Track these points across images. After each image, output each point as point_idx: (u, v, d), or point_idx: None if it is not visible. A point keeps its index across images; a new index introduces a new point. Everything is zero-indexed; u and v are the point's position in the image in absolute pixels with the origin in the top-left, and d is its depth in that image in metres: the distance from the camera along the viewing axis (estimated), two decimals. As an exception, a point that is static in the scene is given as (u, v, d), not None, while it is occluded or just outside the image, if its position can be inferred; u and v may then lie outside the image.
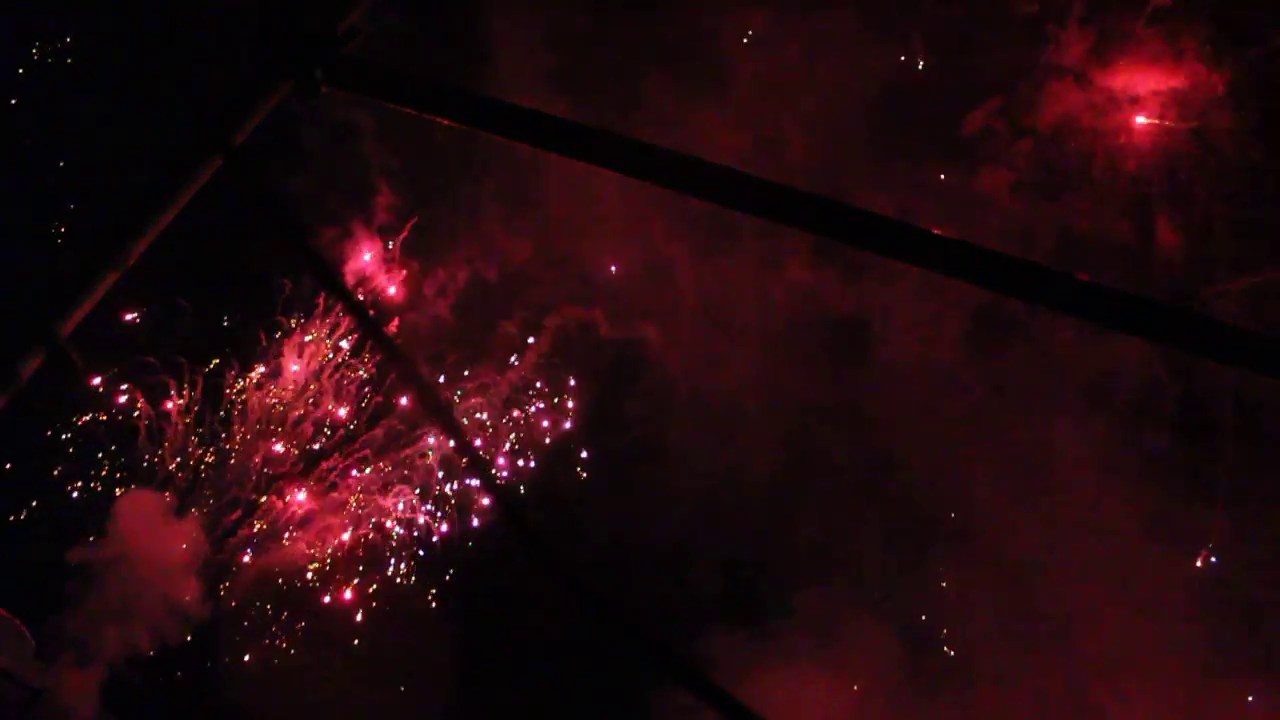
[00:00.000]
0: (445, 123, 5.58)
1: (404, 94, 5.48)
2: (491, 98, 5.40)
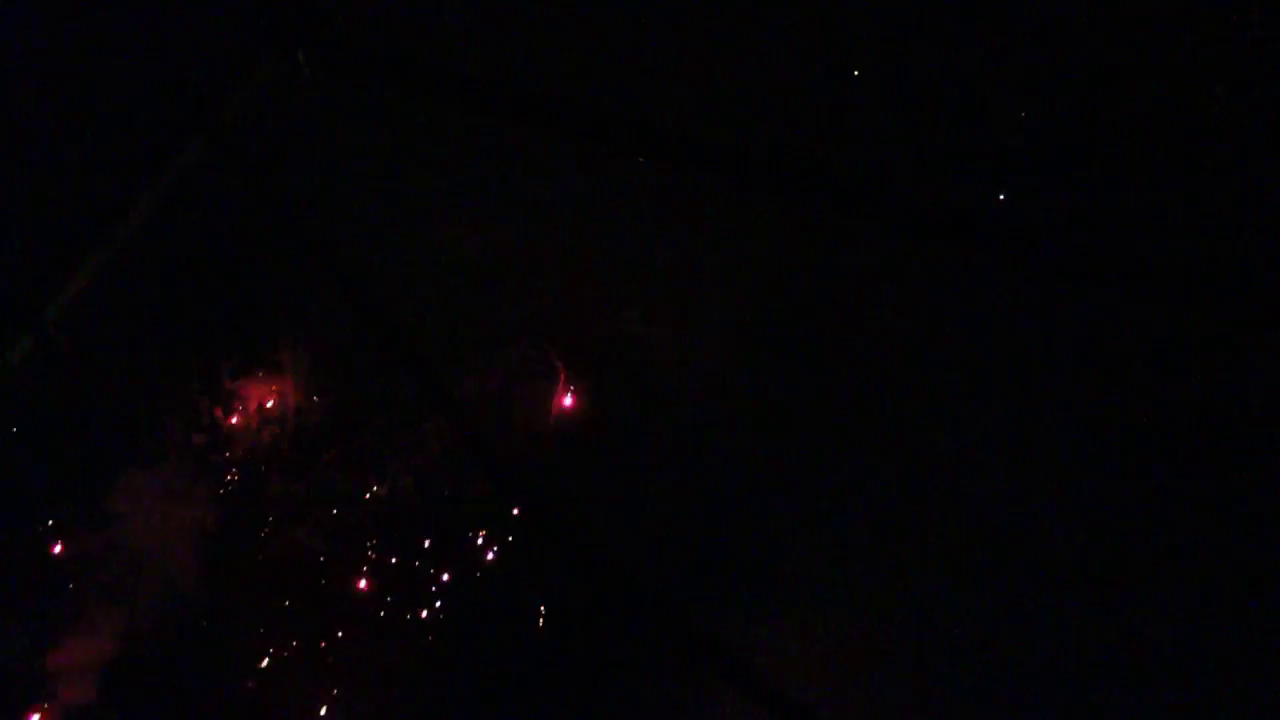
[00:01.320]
0: (435, 108, 5.52)
1: (392, 78, 5.43)
2: (482, 79, 5.35)
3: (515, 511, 7.62)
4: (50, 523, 8.25)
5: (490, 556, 8.46)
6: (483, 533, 8.33)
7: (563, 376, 8.00)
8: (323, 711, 8.19)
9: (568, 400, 8.23)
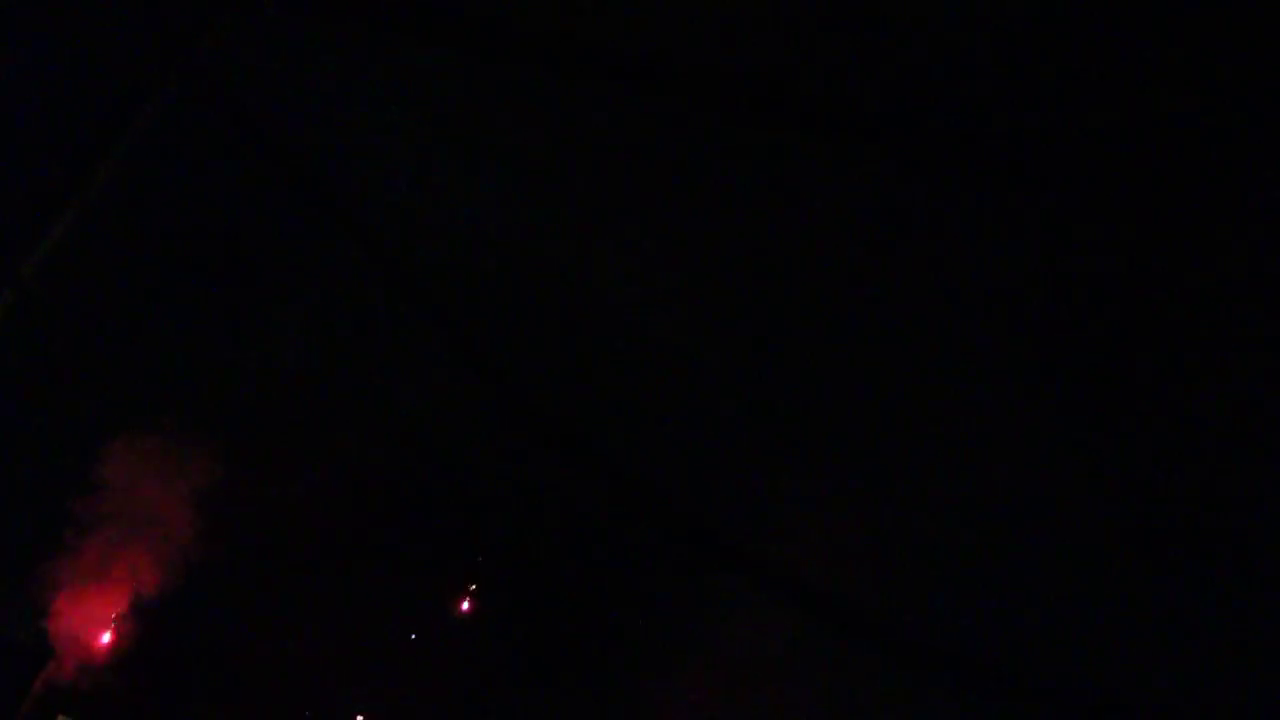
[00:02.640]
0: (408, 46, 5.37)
1: (358, 13, 5.27)
2: (464, 10, 5.19)
3: (527, 438, 7.57)
4: (44, 489, 8.18)
5: (503, 494, 8.40)
6: (495, 475, 8.28)
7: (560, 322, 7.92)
8: (328, 675, 8.19)
9: (566, 344, 8.20)
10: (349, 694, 8.25)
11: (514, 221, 7.20)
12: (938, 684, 6.61)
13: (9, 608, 7.67)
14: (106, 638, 7.80)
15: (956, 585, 6.91)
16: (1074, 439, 6.82)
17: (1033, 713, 6.52)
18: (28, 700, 7.19)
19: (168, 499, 7.96)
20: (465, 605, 8.26)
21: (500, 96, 7.08)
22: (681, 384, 7.34)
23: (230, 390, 8.12)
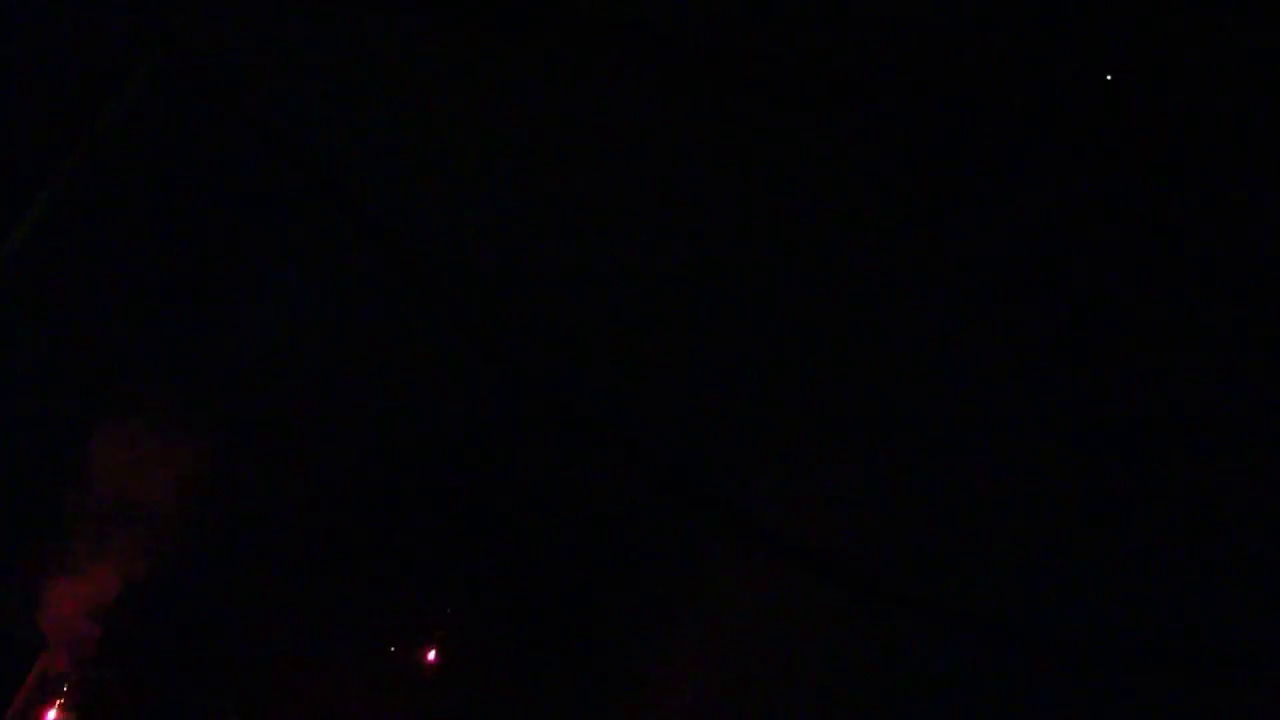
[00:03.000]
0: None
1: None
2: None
3: (521, 404, 7.47)
4: (35, 475, 8.05)
5: (498, 462, 8.29)
6: (490, 443, 8.17)
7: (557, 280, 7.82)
8: (319, 655, 8.09)
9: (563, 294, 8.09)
10: (344, 683, 8.16)
11: (506, 190, 7.10)
12: (938, 634, 6.59)
13: (2, 600, 7.56)
14: (100, 628, 7.69)
15: (950, 534, 6.90)
16: (1061, 390, 6.82)
17: (1036, 662, 6.52)
18: (22, 692, 7.08)
19: (157, 487, 7.84)
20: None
21: (483, 63, 6.95)
22: (671, 345, 7.29)
23: (218, 375, 7.99)
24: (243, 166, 6.62)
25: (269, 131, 4.55)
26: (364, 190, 6.20)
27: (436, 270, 6.09)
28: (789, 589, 6.90)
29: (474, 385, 7.63)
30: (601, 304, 7.30)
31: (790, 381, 7.20)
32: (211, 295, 7.75)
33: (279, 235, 7.35)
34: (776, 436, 7.18)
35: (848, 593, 6.36)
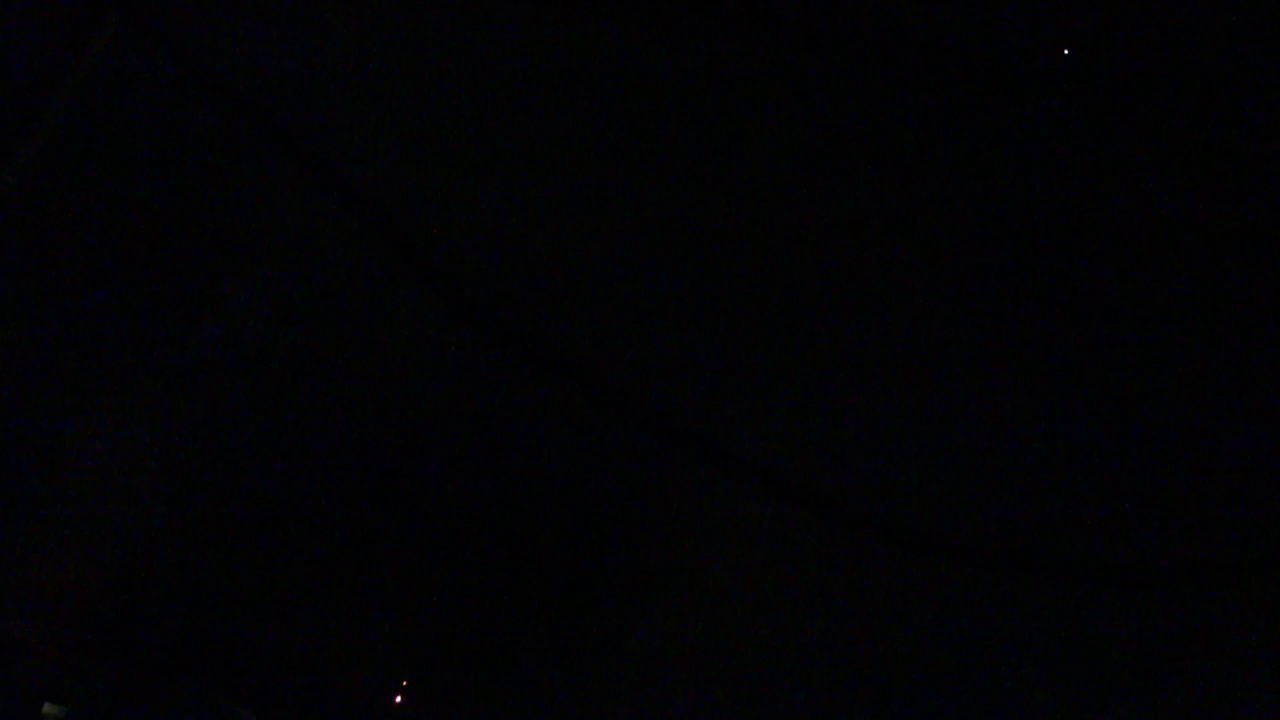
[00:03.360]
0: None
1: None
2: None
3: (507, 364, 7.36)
4: (12, 466, 7.90)
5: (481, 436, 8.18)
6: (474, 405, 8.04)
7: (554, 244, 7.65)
8: (313, 652, 8.00)
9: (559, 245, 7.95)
10: (350, 666, 8.07)
11: (493, 155, 6.90)
12: (930, 563, 6.58)
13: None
14: (89, 623, 7.55)
15: (936, 463, 6.89)
16: (1028, 319, 6.82)
17: (1021, 587, 6.53)
18: (9, 691, 6.94)
19: (138, 476, 7.71)
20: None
21: (463, 22, 6.75)
22: (644, 284, 7.19)
23: (197, 361, 7.83)
24: (213, 140, 6.39)
25: (242, 102, 4.30)
26: (345, 161, 6.00)
27: (423, 241, 5.89)
28: (780, 529, 6.88)
29: (463, 362, 7.49)
30: (598, 272, 7.19)
31: (765, 321, 7.14)
32: (187, 279, 7.55)
33: (256, 212, 7.12)
34: (755, 371, 7.13)
35: (836, 527, 6.33)
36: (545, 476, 7.89)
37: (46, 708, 7.49)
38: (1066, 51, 6.10)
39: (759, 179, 7.38)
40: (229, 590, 8.17)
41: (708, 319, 7.75)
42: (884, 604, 6.60)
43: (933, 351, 7.09)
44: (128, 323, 8.07)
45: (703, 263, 7.55)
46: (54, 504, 7.60)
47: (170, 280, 8.13)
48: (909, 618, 6.47)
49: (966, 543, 6.17)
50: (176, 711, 7.73)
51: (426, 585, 8.46)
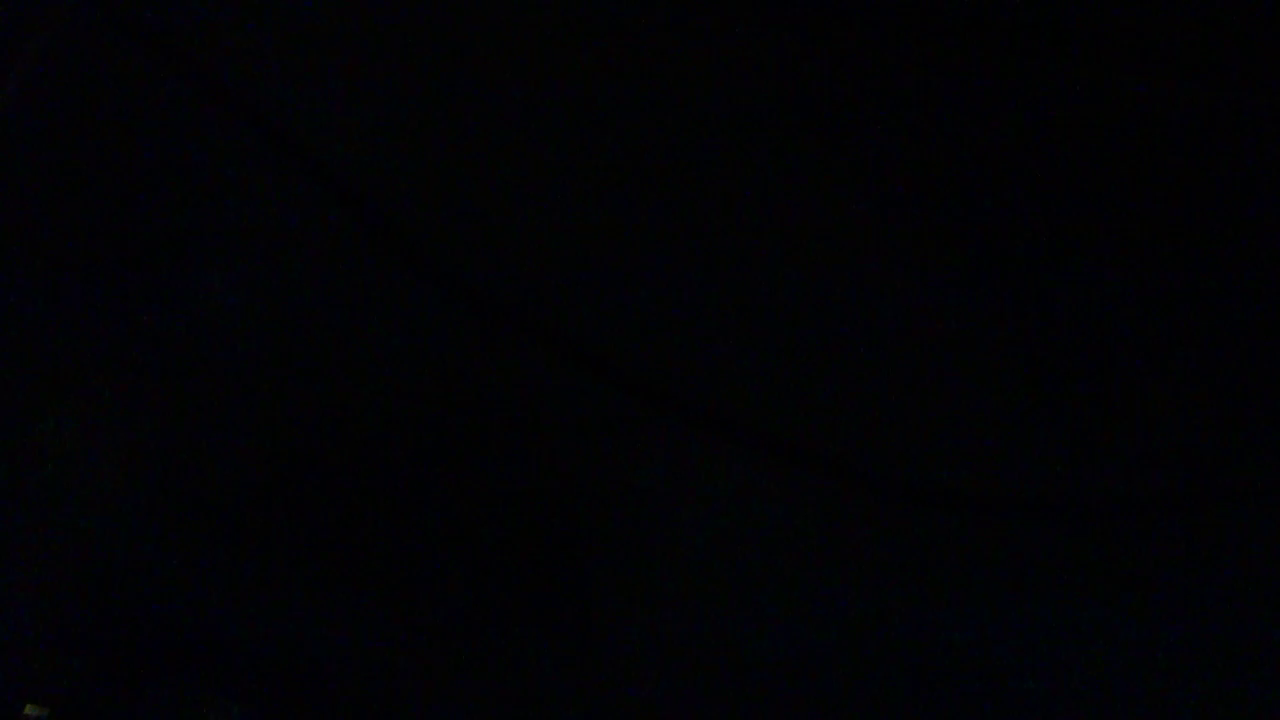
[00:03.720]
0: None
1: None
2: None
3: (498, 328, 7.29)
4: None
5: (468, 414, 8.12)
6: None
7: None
8: (295, 641, 7.91)
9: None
10: (333, 658, 8.00)
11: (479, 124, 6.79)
12: (923, 517, 6.63)
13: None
14: (71, 622, 7.42)
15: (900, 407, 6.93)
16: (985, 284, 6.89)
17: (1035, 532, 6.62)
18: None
19: (117, 471, 7.59)
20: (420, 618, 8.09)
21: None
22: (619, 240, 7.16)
23: (172, 350, 7.72)
24: (182, 121, 6.24)
25: (210, 80, 4.18)
26: (320, 141, 5.87)
27: (404, 219, 5.79)
28: (762, 482, 6.88)
29: (446, 344, 7.43)
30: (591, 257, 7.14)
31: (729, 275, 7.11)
32: (158, 265, 7.41)
33: (230, 199, 6.98)
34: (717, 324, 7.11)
35: (799, 473, 6.34)
36: (533, 456, 7.85)
37: (28, 709, 7.38)
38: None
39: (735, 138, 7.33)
40: (212, 585, 8.07)
41: (680, 276, 7.72)
42: (880, 560, 6.65)
43: (915, 305, 7.12)
44: (97, 316, 7.92)
45: (671, 216, 7.51)
46: (29, 501, 7.45)
47: (141, 271, 7.97)
48: (909, 571, 6.53)
49: (958, 492, 6.22)
50: (162, 709, 7.64)
51: (411, 569, 8.43)
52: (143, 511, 7.71)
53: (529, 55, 7.36)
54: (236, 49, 5.80)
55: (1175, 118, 6.84)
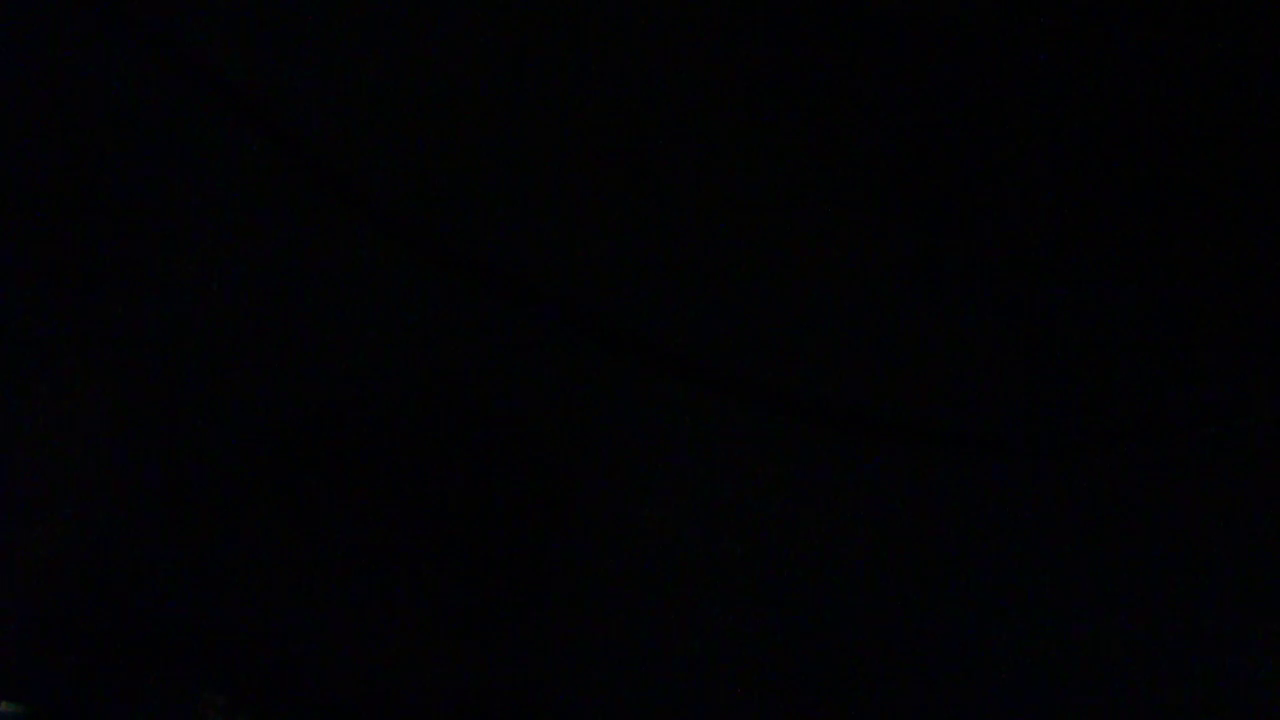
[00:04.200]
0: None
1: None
2: None
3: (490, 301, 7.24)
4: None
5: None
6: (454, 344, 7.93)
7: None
8: (276, 634, 7.90)
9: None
10: (316, 646, 7.98)
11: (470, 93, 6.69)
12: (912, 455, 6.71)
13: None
14: (46, 615, 7.34)
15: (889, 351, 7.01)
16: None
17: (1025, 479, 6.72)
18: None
19: (90, 462, 7.50)
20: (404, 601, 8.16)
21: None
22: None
23: (147, 340, 7.63)
24: (150, 100, 6.10)
25: (182, 56, 4.02)
26: (298, 118, 5.76)
27: (385, 195, 5.68)
28: (747, 430, 6.93)
29: (433, 326, 7.38)
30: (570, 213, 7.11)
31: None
32: (132, 254, 7.30)
33: (203, 182, 6.86)
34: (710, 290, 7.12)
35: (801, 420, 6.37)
36: (517, 434, 7.82)
37: (3, 705, 7.34)
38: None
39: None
40: (192, 575, 8.02)
41: (644, 219, 7.71)
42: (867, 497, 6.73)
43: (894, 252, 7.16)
44: (67, 303, 7.80)
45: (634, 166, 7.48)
46: (14, 497, 7.35)
47: (111, 257, 7.84)
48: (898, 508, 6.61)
49: (943, 431, 6.25)
50: (151, 703, 7.61)
51: (401, 562, 8.40)
52: (131, 506, 7.62)
53: (521, 38, 7.31)
54: (214, 30, 5.66)
55: (1175, 117, 6.90)
